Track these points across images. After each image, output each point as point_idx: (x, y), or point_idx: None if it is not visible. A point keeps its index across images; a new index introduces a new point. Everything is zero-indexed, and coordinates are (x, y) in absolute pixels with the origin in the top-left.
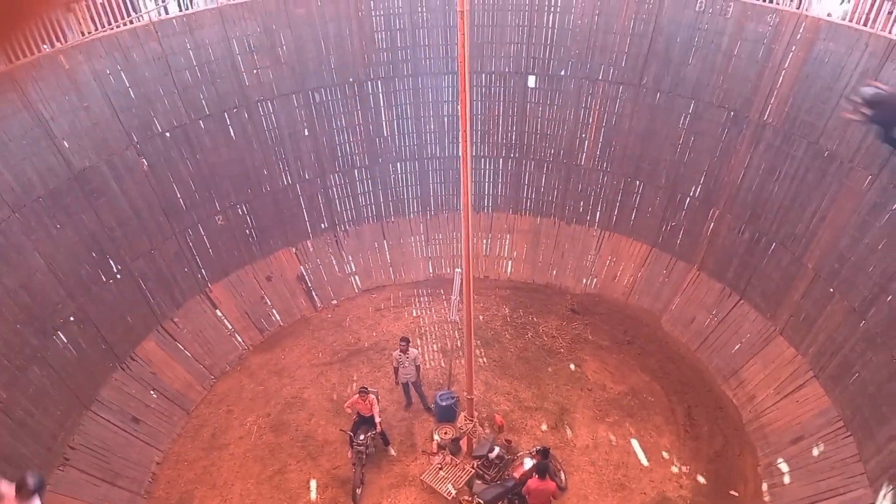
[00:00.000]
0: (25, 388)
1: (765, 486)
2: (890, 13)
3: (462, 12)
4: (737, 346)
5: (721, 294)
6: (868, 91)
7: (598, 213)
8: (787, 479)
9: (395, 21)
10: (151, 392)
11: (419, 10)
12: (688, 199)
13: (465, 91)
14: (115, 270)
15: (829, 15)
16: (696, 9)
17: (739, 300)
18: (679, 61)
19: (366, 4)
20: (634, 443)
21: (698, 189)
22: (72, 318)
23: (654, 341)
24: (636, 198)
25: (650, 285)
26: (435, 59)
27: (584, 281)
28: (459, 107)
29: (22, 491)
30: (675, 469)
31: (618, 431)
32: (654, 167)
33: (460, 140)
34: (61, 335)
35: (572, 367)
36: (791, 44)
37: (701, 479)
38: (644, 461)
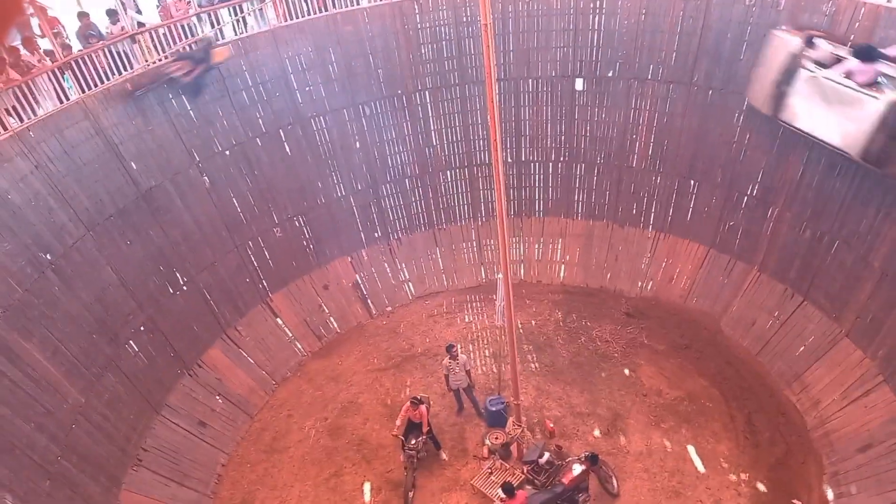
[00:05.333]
0: (101, 393)
1: (830, 496)
2: None
3: (486, 25)
4: (800, 350)
5: (783, 295)
6: None
7: (653, 214)
8: (854, 489)
9: (441, 32)
10: (217, 397)
11: (464, 19)
12: (745, 198)
13: (492, 101)
14: (182, 282)
15: (889, 1)
16: (747, 2)
17: (802, 301)
18: (730, 58)
19: (412, 19)
20: (691, 449)
21: (756, 187)
22: (142, 328)
23: (712, 345)
24: (691, 198)
25: (708, 287)
26: (481, 67)
27: (640, 284)
28: (490, 116)
29: None
30: (733, 477)
31: (673, 438)
32: (708, 166)
33: (492, 149)
34: (133, 344)
35: (627, 372)
36: (849, 33)
37: (761, 488)
38: (700, 468)
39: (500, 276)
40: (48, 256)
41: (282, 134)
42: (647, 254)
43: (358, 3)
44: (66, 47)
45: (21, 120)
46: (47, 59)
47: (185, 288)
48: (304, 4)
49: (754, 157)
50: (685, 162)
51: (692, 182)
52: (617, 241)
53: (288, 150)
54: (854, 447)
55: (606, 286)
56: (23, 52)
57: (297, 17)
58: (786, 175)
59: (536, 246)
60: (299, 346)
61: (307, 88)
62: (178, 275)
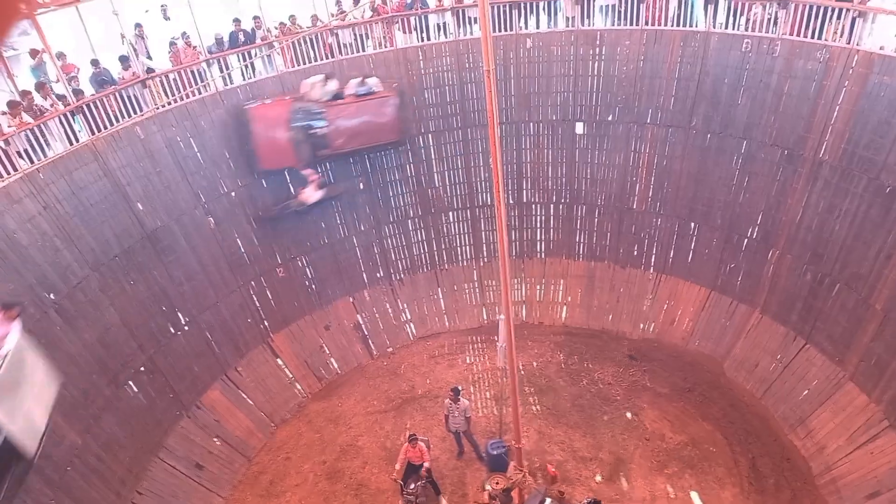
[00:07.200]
0: (98, 435)
1: None
2: None
3: (488, 71)
4: (804, 393)
5: (785, 338)
6: None
7: (654, 256)
8: None
9: (444, 78)
10: (215, 439)
11: (466, 65)
12: (745, 241)
13: (495, 144)
14: (183, 322)
15: (881, 48)
16: (743, 49)
17: (805, 344)
18: (728, 102)
19: (415, 65)
20: (694, 496)
21: (756, 230)
22: (142, 369)
23: (716, 388)
24: (692, 240)
25: (710, 330)
26: (483, 111)
27: (642, 326)
28: (493, 159)
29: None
30: None
31: (677, 483)
32: (708, 208)
33: (494, 190)
34: (132, 385)
35: (629, 415)
36: (844, 79)
37: None
38: None
39: (502, 317)
40: (52, 296)
41: (287, 175)
42: (649, 295)
43: (363, 50)
44: (79, 92)
45: (32, 162)
46: (59, 103)
47: (186, 328)
48: (311, 51)
49: (753, 200)
50: (685, 204)
51: (692, 224)
52: (618, 283)
53: (293, 191)
54: (862, 494)
55: (608, 328)
56: (36, 96)
57: (304, 63)
58: (785, 218)
59: (538, 287)
60: (299, 388)
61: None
62: (180, 315)
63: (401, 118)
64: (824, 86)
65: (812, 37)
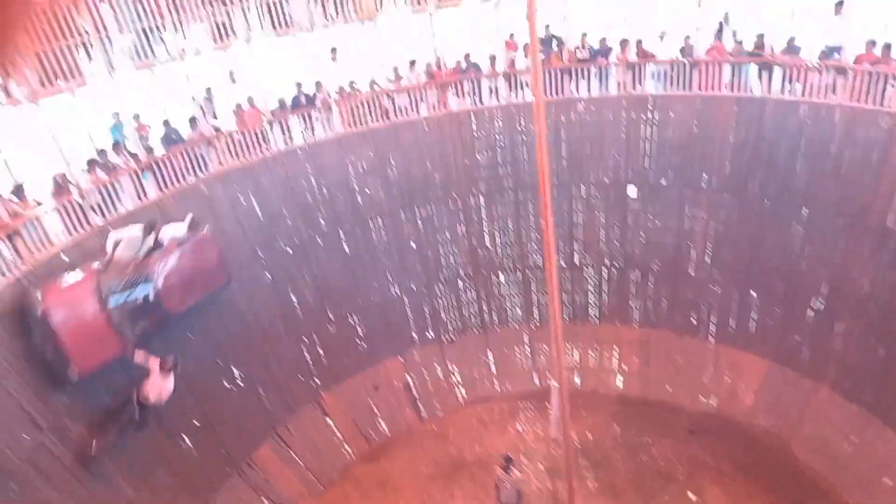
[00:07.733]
0: (152, 488)
1: None
2: None
3: (540, 134)
4: (886, 480)
5: (858, 418)
6: None
7: (713, 325)
8: None
9: (496, 139)
10: (264, 500)
11: (518, 128)
12: (809, 312)
13: (546, 206)
14: (237, 377)
15: None
16: (800, 115)
17: (882, 426)
18: (785, 168)
19: (468, 128)
20: None
21: (820, 300)
22: (196, 423)
23: (783, 468)
24: (753, 309)
25: (775, 405)
26: (535, 172)
27: (701, 398)
28: (543, 221)
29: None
30: None
31: None
32: (768, 277)
33: (545, 254)
34: (186, 438)
35: (692, 496)
36: None
37: None
38: None
39: (555, 384)
40: None
41: (341, 233)
42: (708, 366)
43: (418, 114)
44: (149, 149)
45: (104, 216)
46: (131, 160)
47: (240, 383)
48: (368, 114)
49: (816, 269)
50: (744, 272)
51: (753, 293)
52: (676, 352)
53: (346, 248)
54: None
55: (666, 399)
56: (111, 154)
57: (361, 126)
58: (851, 288)
59: (591, 353)
60: (347, 448)
61: (367, 191)
62: (234, 369)
63: (223, 256)
64: (889, 153)
65: (873, 103)
